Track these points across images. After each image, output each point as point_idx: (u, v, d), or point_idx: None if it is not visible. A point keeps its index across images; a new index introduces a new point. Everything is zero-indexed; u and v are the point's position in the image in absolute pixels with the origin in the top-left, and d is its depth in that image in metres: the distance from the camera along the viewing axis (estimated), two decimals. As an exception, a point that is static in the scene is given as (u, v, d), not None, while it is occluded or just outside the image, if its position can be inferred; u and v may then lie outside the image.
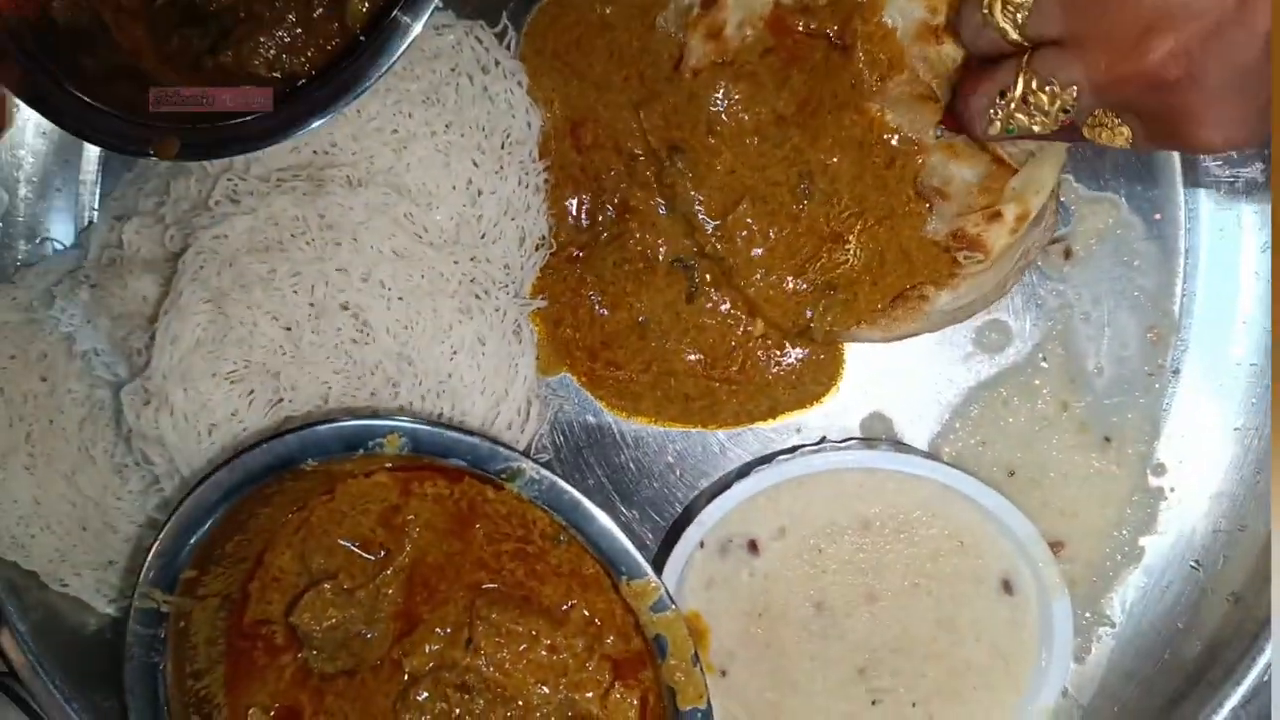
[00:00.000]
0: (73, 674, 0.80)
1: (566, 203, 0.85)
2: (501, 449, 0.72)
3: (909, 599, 0.74)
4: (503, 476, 0.71)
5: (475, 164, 0.83)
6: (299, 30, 0.82)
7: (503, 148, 0.84)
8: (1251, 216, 0.82)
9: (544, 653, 0.73)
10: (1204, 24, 0.56)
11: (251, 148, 0.77)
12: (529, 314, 0.85)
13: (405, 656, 0.75)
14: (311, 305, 0.79)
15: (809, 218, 0.78)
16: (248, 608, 0.78)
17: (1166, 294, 0.81)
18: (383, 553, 0.77)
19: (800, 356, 0.82)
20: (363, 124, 0.81)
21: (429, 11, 0.75)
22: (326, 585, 0.75)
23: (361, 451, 0.72)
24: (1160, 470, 0.81)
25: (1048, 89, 0.62)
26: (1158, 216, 0.82)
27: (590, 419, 0.85)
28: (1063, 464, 0.79)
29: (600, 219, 0.85)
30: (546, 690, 0.73)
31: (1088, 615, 0.78)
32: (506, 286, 0.84)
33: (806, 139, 0.78)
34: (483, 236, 0.84)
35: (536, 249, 0.85)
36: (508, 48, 0.85)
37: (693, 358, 0.83)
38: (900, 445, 0.80)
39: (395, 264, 0.80)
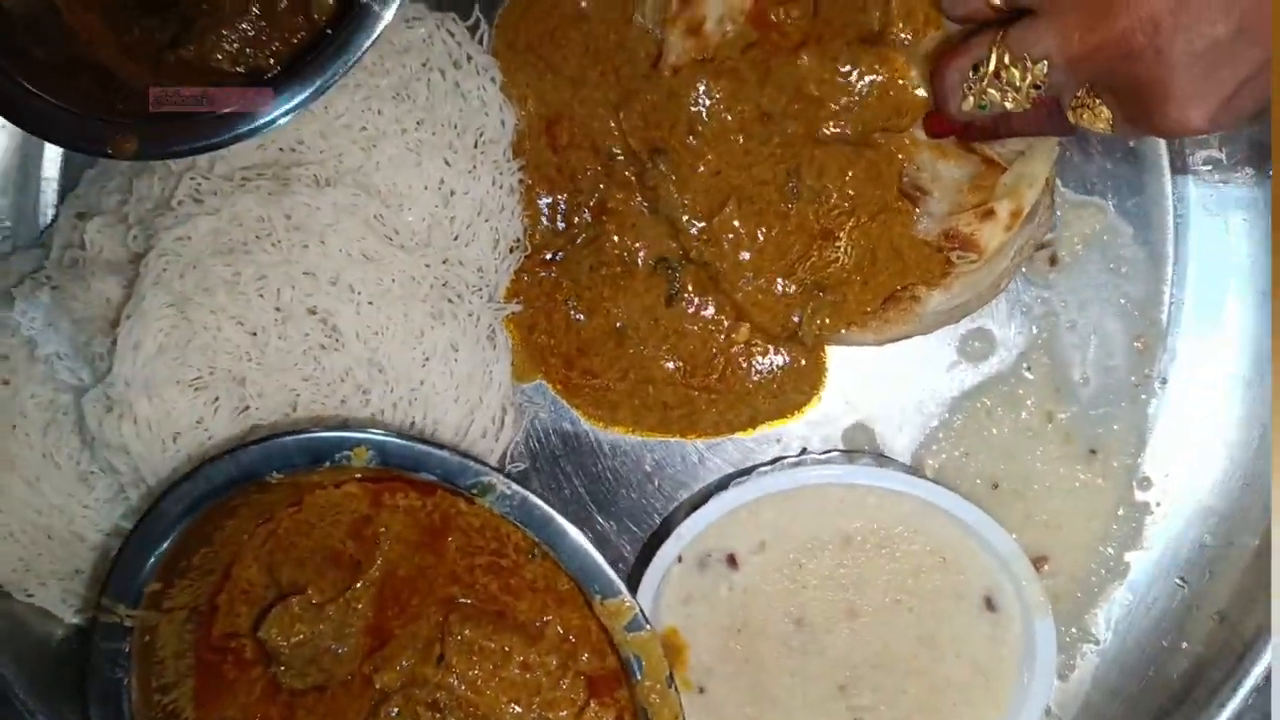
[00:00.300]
0: (39, 685, 0.79)
1: (541, 204, 0.83)
2: (472, 463, 0.70)
3: (890, 615, 0.73)
4: (473, 492, 0.70)
5: (447, 163, 0.81)
6: (263, 23, 0.79)
7: (476, 146, 0.82)
8: (1240, 224, 0.80)
9: (517, 670, 0.72)
10: None
11: (215, 146, 0.74)
12: (503, 319, 0.82)
13: (376, 672, 0.73)
14: (278, 310, 0.77)
15: (798, 215, 0.76)
16: (216, 621, 0.76)
17: (1154, 302, 0.79)
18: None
19: (782, 365, 0.80)
20: (330, 121, 0.79)
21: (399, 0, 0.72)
22: (294, 600, 0.73)
23: (328, 464, 0.70)
24: (1146, 484, 0.79)
25: (1020, 64, 0.61)
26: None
27: (567, 427, 0.83)
28: (1047, 476, 0.77)
29: (577, 221, 0.82)
30: (519, 709, 0.72)
31: (1072, 631, 0.77)
32: (480, 290, 0.82)
33: (799, 129, 0.76)
34: (455, 239, 0.82)
35: (511, 252, 0.83)
36: (480, 42, 0.83)
37: (671, 365, 0.81)
38: (882, 458, 0.79)
39: (365, 267, 0.78)
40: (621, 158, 0.81)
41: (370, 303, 0.77)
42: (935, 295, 0.73)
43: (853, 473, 0.71)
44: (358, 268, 0.77)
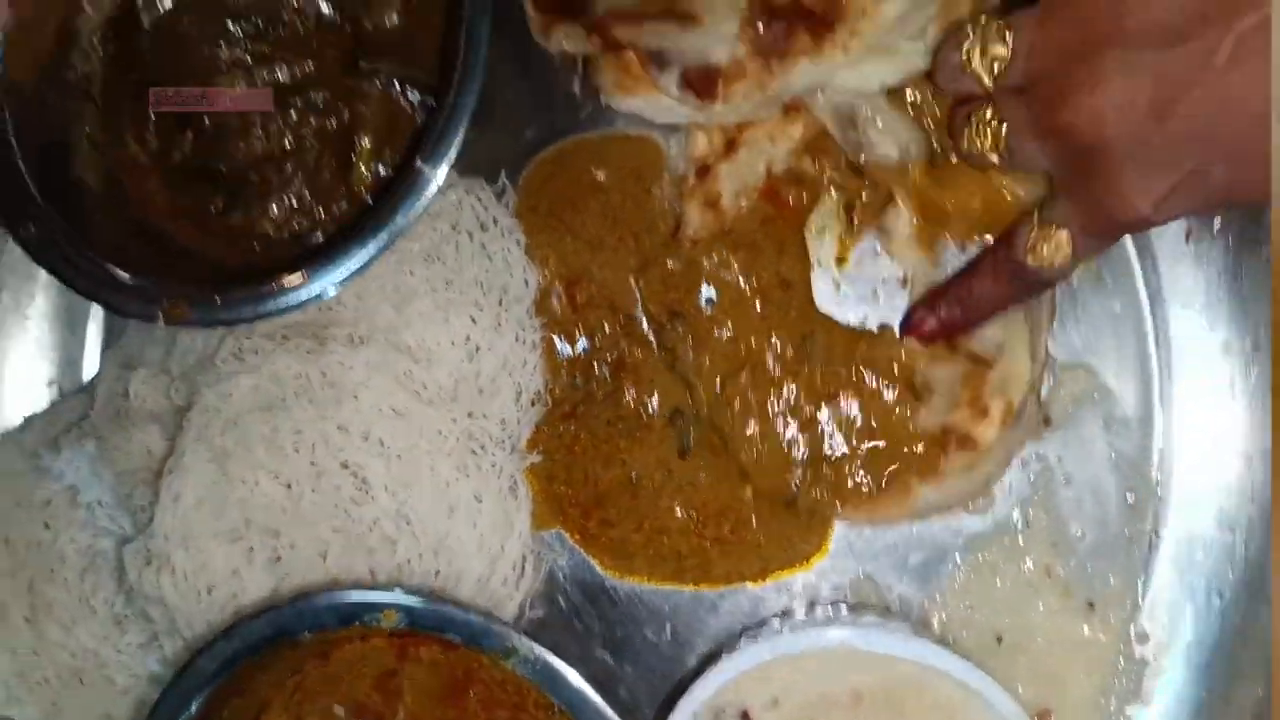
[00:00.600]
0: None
1: (561, 358, 0.87)
2: (495, 626, 0.73)
3: (900, 769, 0.75)
4: (497, 654, 0.73)
5: (473, 320, 0.85)
6: (307, 192, 0.85)
7: (500, 304, 0.86)
8: (1236, 380, 0.83)
9: (536, 824, 0.74)
10: (1123, 96, 0.61)
11: (263, 316, 0.79)
12: (524, 469, 0.86)
13: (400, 824, 0.75)
14: (312, 464, 0.80)
15: (807, 376, 0.81)
16: (245, 772, 0.78)
17: (1144, 458, 0.83)
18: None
19: (790, 518, 0.83)
20: (365, 282, 0.83)
21: (447, 162, 0.77)
22: (320, 753, 0.75)
23: (358, 624, 0.73)
24: (1144, 638, 0.82)
25: (992, 125, 0.69)
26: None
27: (584, 575, 0.86)
28: (1049, 630, 0.80)
29: (595, 375, 0.87)
30: None
31: (1077, 785, 0.79)
32: (502, 442, 0.86)
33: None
34: (480, 392, 0.86)
35: (532, 405, 0.87)
36: (505, 205, 0.88)
37: (684, 515, 0.84)
38: (888, 613, 0.82)
39: (395, 422, 0.82)
40: (639, 318, 0.85)
41: (399, 457, 0.81)
42: (928, 489, 0.77)
43: (861, 635, 0.73)
44: (388, 423, 0.81)
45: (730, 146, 0.82)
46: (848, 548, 0.84)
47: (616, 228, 0.87)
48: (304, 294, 0.78)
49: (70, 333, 0.94)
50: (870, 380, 0.80)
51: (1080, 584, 0.81)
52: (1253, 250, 0.82)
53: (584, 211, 0.87)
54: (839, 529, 0.83)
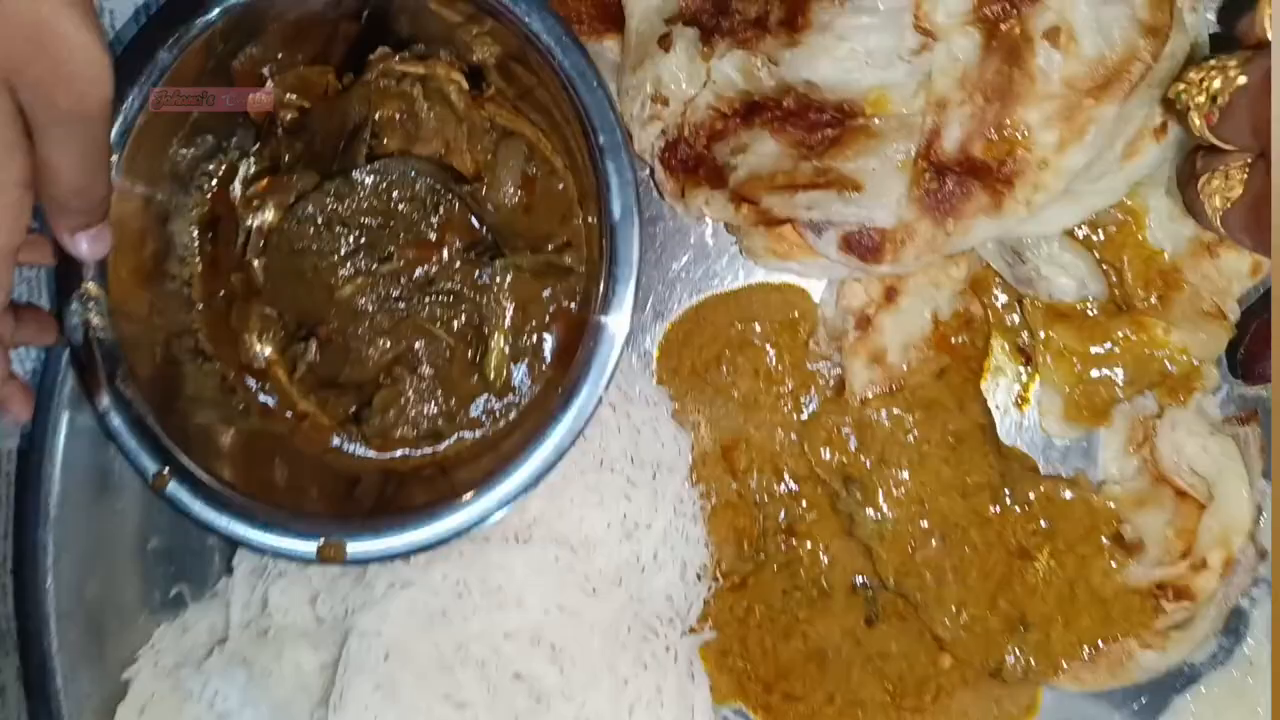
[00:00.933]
0: None
1: (726, 528, 0.82)
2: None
3: None
4: None
5: (628, 498, 0.80)
6: (439, 392, 0.79)
7: (654, 478, 0.81)
8: None
9: None
10: None
11: (420, 550, 0.73)
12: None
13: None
14: (483, 680, 0.76)
15: (997, 528, 0.76)
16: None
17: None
18: None
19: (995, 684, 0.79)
20: (512, 474, 0.79)
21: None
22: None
23: None
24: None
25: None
26: None
27: (775, 756, 0.82)
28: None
29: (765, 544, 0.82)
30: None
31: None
32: (673, 621, 0.81)
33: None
34: (643, 571, 0.81)
35: (698, 579, 0.82)
36: (647, 373, 0.83)
37: (880, 687, 0.80)
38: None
39: (563, 621, 0.77)
40: (808, 481, 0.80)
41: (573, 660, 0.77)
42: (1149, 655, 0.73)
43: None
44: (556, 623, 0.77)
45: (890, 295, 0.77)
46: (1054, 713, 0.79)
47: (771, 384, 0.81)
48: (466, 525, 0.72)
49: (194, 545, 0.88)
50: (1070, 533, 0.75)
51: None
52: None
53: (733, 369, 0.82)
54: (1047, 691, 0.79)
